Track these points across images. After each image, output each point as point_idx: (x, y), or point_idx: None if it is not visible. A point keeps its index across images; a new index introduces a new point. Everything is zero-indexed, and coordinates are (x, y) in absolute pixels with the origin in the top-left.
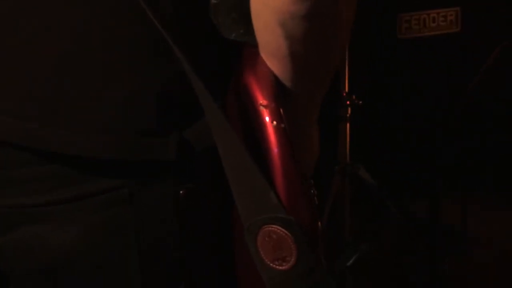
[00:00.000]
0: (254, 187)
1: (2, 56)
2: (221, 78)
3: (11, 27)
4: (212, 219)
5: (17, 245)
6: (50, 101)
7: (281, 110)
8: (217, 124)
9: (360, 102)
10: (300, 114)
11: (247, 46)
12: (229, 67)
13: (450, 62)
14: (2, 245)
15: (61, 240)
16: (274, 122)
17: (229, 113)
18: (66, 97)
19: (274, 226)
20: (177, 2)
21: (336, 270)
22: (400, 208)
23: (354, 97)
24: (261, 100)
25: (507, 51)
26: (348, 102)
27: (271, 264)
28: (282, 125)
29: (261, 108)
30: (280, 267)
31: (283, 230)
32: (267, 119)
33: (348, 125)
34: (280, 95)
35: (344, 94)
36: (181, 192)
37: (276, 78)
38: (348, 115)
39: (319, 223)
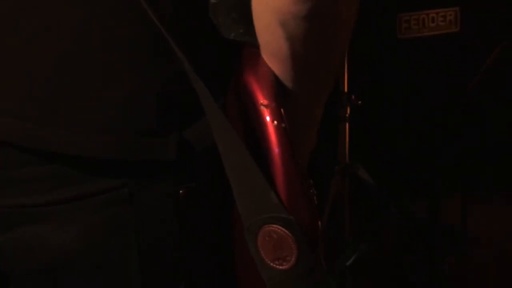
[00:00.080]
0: (254, 186)
1: (2, 56)
2: (221, 78)
3: (11, 27)
4: (212, 219)
5: (17, 245)
6: (50, 101)
7: (282, 110)
8: (218, 124)
9: (360, 102)
10: (301, 113)
11: (247, 46)
12: (229, 67)
13: (449, 62)
14: (2, 245)
15: (61, 240)
16: (275, 122)
17: (229, 113)
18: (66, 97)
19: (274, 225)
20: (177, 2)
21: (336, 270)
22: (399, 208)
23: (353, 97)
24: (262, 99)
25: (507, 51)
26: (347, 102)
27: (271, 264)
28: (283, 125)
29: (262, 108)
30: (280, 267)
31: (283, 229)
32: (267, 118)
33: (347, 125)
34: (281, 95)
35: (344, 94)
36: (181, 192)
37: (276, 78)
38: (347, 115)
39: (319, 223)
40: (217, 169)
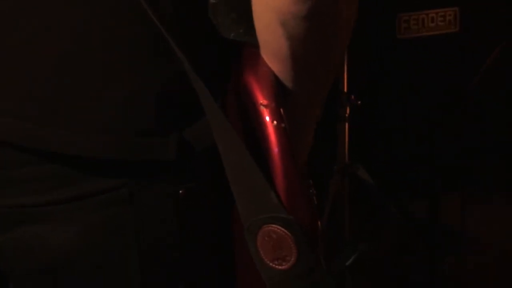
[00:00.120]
0: (254, 186)
1: (2, 56)
2: (221, 78)
3: (11, 27)
4: (212, 219)
5: (17, 245)
6: (50, 101)
7: (282, 110)
8: (217, 123)
9: (359, 102)
10: (300, 113)
11: (247, 46)
12: (229, 67)
13: (448, 62)
14: (2, 245)
15: (61, 240)
16: (275, 122)
17: (229, 113)
18: (66, 97)
19: (274, 225)
20: (177, 2)
21: (336, 270)
22: (399, 208)
23: (353, 97)
24: (261, 99)
25: (507, 51)
26: (347, 102)
27: (270, 264)
28: (283, 125)
29: (262, 107)
30: (280, 267)
31: (283, 229)
32: (267, 118)
33: (347, 125)
34: (280, 94)
35: (343, 94)
36: (180, 192)
37: (276, 77)
38: (347, 115)
39: (319, 223)
40: (217, 169)
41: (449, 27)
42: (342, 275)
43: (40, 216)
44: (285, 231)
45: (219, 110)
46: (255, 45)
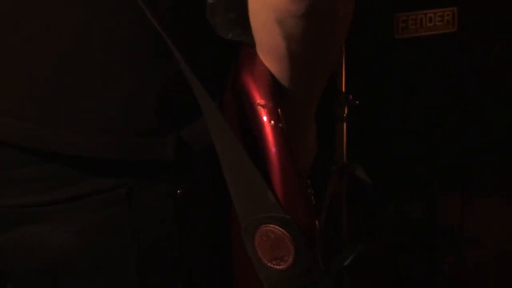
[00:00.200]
0: (251, 186)
1: (2, 56)
2: (219, 78)
3: (11, 27)
4: (211, 218)
5: (17, 245)
6: (50, 101)
7: (279, 110)
8: (215, 123)
9: (357, 102)
10: (298, 112)
11: (244, 46)
12: (227, 67)
13: (446, 62)
14: (2, 244)
15: (61, 240)
16: (272, 122)
17: (226, 112)
18: (66, 97)
19: (271, 225)
20: (176, 2)
21: (333, 270)
22: (397, 208)
23: (351, 96)
24: (259, 99)
25: (507, 51)
26: (345, 102)
27: (268, 264)
28: (280, 125)
29: (259, 107)
30: (278, 267)
31: (280, 229)
32: (264, 118)
33: (345, 125)
34: (278, 94)
35: (341, 93)
36: (179, 192)
37: (273, 77)
38: (345, 115)
39: (317, 222)
40: (215, 169)
41: (447, 27)
42: (340, 275)
43: (40, 216)
44: (283, 231)
45: (216, 110)
46: (252, 45)
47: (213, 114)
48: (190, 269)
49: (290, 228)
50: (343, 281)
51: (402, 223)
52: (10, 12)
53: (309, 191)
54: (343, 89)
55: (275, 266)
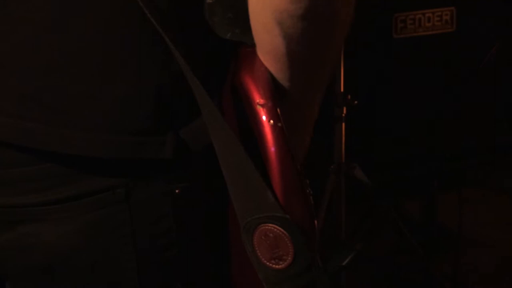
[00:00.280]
0: (250, 186)
1: (1, 56)
2: (218, 77)
3: (11, 27)
4: (209, 218)
5: (16, 244)
6: (48, 100)
7: (278, 109)
8: (214, 123)
9: (356, 101)
10: (297, 112)
11: (243, 46)
12: (226, 66)
13: (445, 61)
14: (1, 244)
15: (60, 239)
16: (271, 121)
17: (226, 112)
18: (65, 96)
19: (271, 225)
20: (175, 2)
21: (332, 269)
22: (396, 208)
23: (349, 96)
24: (258, 99)
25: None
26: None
27: (267, 263)
28: (279, 124)
29: (258, 107)
30: (277, 266)
31: (280, 229)
32: (264, 118)
33: (343, 124)
34: (277, 94)
35: (340, 93)
36: (177, 191)
37: (272, 77)
38: (343, 114)
39: (315, 222)
40: (213, 168)
41: (445, 27)
42: (339, 274)
43: (39, 216)
44: (282, 230)
45: (215, 109)
46: (251, 45)
47: (212, 113)
48: (188, 267)
49: (289, 227)
50: (341, 280)
51: (401, 222)
52: (10, 12)
53: (308, 190)
54: (342, 89)
55: (274, 266)
